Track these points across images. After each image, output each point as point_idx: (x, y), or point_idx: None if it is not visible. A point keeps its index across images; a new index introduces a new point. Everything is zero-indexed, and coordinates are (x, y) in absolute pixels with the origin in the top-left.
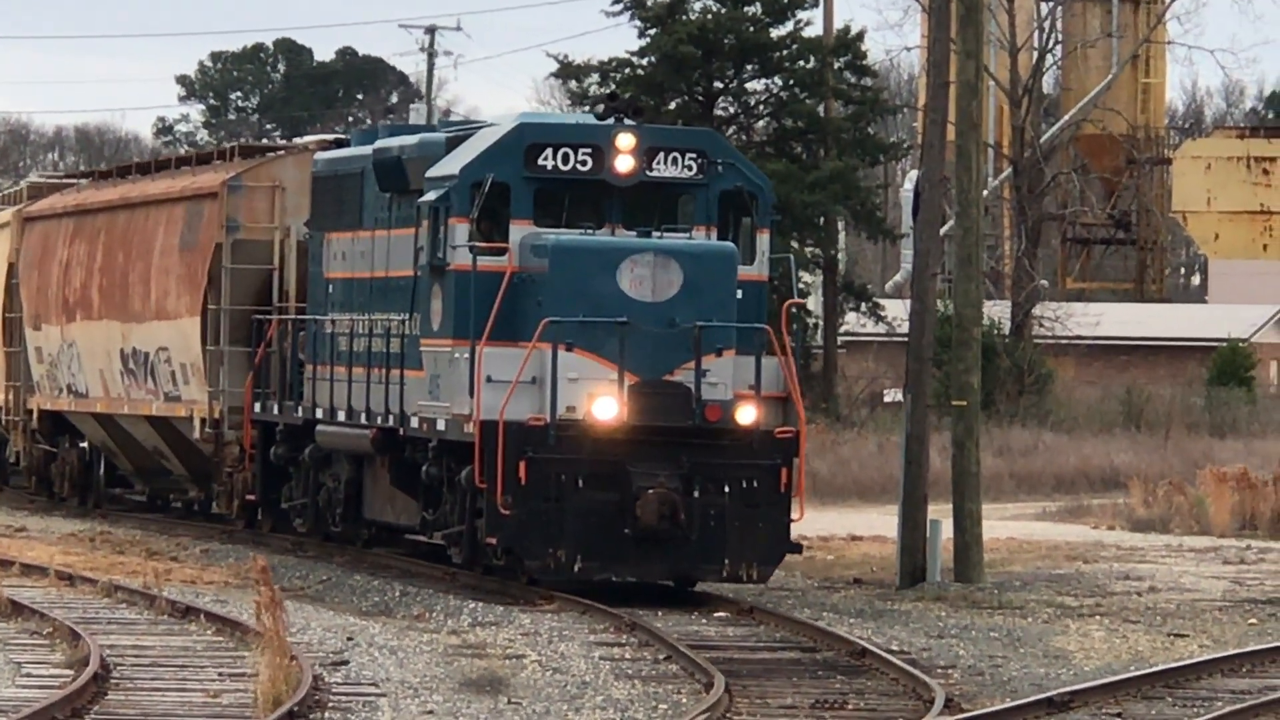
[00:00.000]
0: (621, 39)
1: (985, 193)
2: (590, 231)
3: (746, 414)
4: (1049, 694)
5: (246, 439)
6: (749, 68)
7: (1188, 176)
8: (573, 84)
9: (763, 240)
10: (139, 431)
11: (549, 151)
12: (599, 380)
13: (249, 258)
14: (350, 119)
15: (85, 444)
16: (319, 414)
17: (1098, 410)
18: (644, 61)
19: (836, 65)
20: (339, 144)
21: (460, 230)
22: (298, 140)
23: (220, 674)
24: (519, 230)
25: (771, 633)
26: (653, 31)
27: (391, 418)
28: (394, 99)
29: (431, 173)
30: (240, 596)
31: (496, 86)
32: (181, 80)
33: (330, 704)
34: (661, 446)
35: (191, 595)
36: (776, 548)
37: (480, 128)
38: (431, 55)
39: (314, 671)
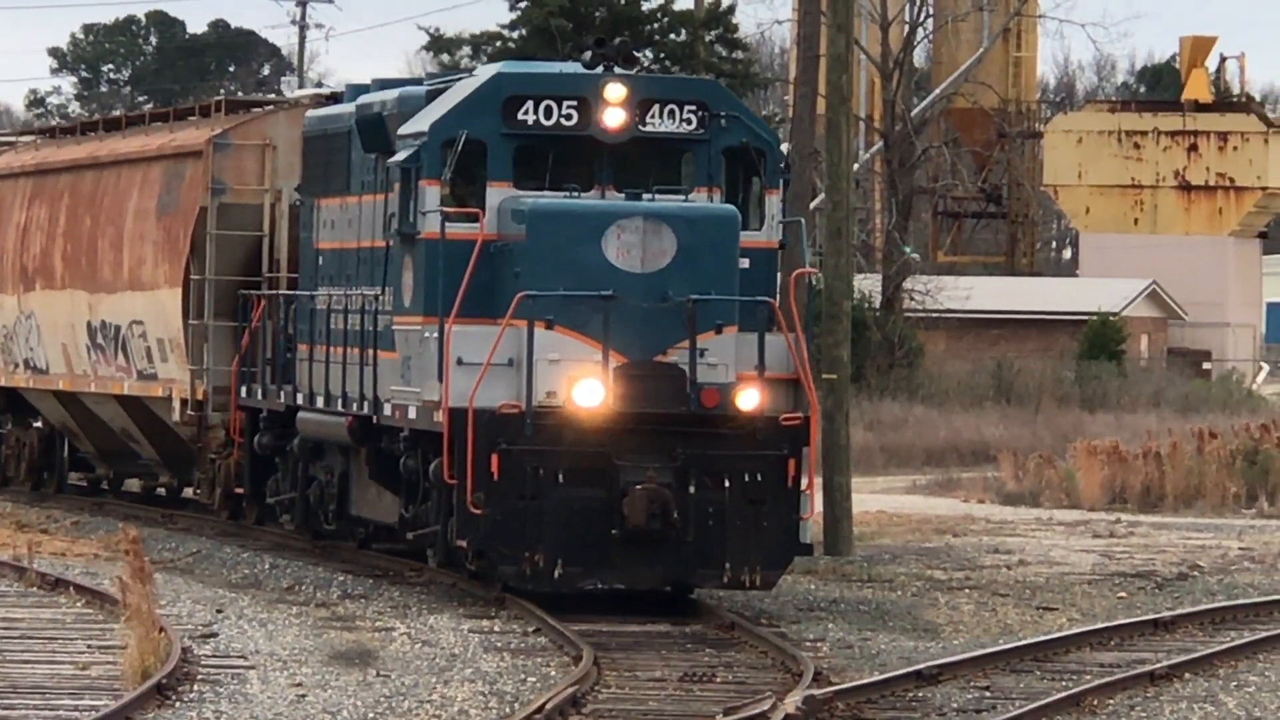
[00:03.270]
0: (493, 12)
1: (856, 166)
2: (576, 194)
3: (748, 398)
4: (918, 667)
5: (234, 425)
6: (620, 41)
7: (1059, 150)
8: (444, 57)
9: (772, 202)
10: (106, 411)
11: (530, 105)
12: (582, 361)
13: (236, 223)
14: (222, 91)
15: (39, 423)
16: (299, 399)
17: (968, 384)
18: (515, 35)
19: (708, 39)
20: (334, 99)
21: (431, 194)
22: (290, 95)
23: (89, 646)
24: (497, 193)
25: (640, 606)
26: (523, 4)
27: (366, 404)
28: (266, 71)
29: (403, 130)
30: (111, 569)
31: (368, 59)
32: (53, 52)
33: (199, 676)
34: (652, 436)
35: (62, 567)
36: (784, 549)
37: (461, 79)
38: (303, 28)
39: (183, 644)
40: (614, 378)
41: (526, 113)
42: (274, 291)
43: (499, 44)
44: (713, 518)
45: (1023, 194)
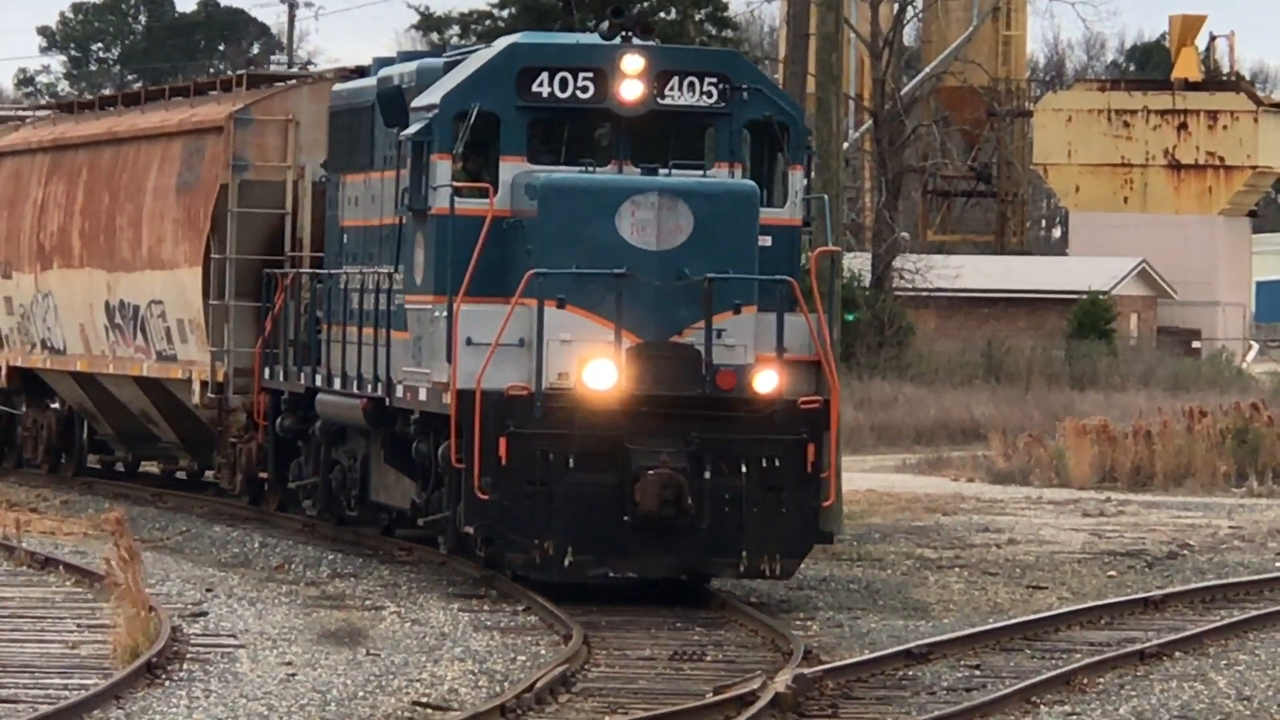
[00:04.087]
0: None
1: (845, 145)
2: (591, 169)
3: (766, 381)
4: (908, 646)
5: (257, 408)
6: (638, 10)
7: (1049, 129)
8: (434, 36)
9: (796, 178)
10: (124, 393)
11: (544, 76)
12: (594, 342)
13: (258, 200)
14: (211, 70)
15: (57, 405)
16: (318, 380)
17: (958, 363)
18: (505, 14)
19: (698, 17)
20: (360, 73)
21: (442, 168)
22: (314, 69)
23: (79, 625)
24: (510, 168)
25: (632, 585)
26: None
27: (380, 386)
28: (255, 50)
29: (416, 102)
30: (100, 548)
31: (357, 38)
32: (43, 31)
33: (189, 655)
34: (666, 420)
35: (51, 546)
36: (803, 537)
37: (479, 50)
38: (292, 6)
39: (173, 623)
40: (627, 359)
41: (541, 85)
42: (297, 270)
43: (488, 23)
44: (729, 504)
45: (1012, 173)
